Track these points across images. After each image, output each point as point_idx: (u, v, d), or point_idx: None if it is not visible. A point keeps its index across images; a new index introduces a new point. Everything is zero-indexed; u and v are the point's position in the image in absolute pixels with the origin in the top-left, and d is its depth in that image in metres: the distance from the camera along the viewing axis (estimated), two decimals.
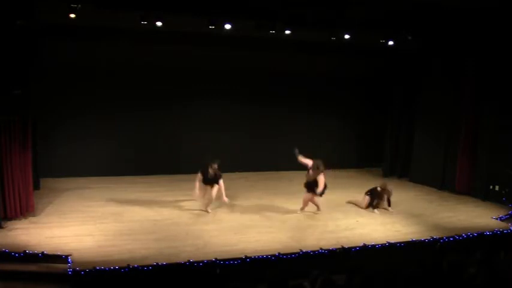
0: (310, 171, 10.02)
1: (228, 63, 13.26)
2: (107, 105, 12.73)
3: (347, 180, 13.47)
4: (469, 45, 12.20)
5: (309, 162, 10.13)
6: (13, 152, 9.11)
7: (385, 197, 11.06)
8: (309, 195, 10.25)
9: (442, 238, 9.25)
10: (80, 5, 8.92)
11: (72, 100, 12.35)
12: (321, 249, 8.36)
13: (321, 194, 10.10)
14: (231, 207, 10.67)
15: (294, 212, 10.54)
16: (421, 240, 9.15)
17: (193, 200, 10.65)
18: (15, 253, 7.58)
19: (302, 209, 10.55)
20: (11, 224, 8.92)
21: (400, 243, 8.91)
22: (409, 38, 11.64)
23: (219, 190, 9.94)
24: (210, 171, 9.76)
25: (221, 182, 9.90)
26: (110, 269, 7.22)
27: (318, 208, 10.50)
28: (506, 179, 11.73)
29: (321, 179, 9.90)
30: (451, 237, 9.29)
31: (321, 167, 9.87)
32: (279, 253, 8.11)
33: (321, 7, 10.29)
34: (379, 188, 11.05)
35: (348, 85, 14.88)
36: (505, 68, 11.73)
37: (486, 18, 11.15)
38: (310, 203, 10.49)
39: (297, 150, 10.15)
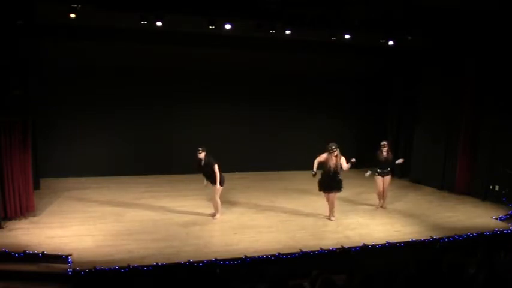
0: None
1: (228, 63, 13.27)
2: (107, 105, 12.76)
3: (347, 181, 13.42)
4: (469, 46, 12.19)
5: (323, 156, 10.16)
6: (13, 152, 9.11)
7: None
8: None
9: (442, 238, 9.24)
10: (80, 5, 8.92)
11: (72, 100, 12.38)
12: (321, 249, 8.36)
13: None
14: (231, 207, 10.68)
15: (294, 212, 10.54)
16: (421, 240, 9.15)
17: (193, 199, 10.61)
18: (15, 253, 7.57)
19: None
20: (11, 224, 8.94)
21: (400, 243, 8.91)
22: (409, 38, 11.63)
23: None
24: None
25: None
26: (110, 269, 7.23)
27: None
28: (506, 179, 11.72)
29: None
30: (451, 237, 9.29)
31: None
32: (279, 253, 8.11)
33: (321, 7, 10.28)
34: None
35: (348, 85, 14.89)
36: (505, 68, 11.73)
37: (486, 19, 11.14)
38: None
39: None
